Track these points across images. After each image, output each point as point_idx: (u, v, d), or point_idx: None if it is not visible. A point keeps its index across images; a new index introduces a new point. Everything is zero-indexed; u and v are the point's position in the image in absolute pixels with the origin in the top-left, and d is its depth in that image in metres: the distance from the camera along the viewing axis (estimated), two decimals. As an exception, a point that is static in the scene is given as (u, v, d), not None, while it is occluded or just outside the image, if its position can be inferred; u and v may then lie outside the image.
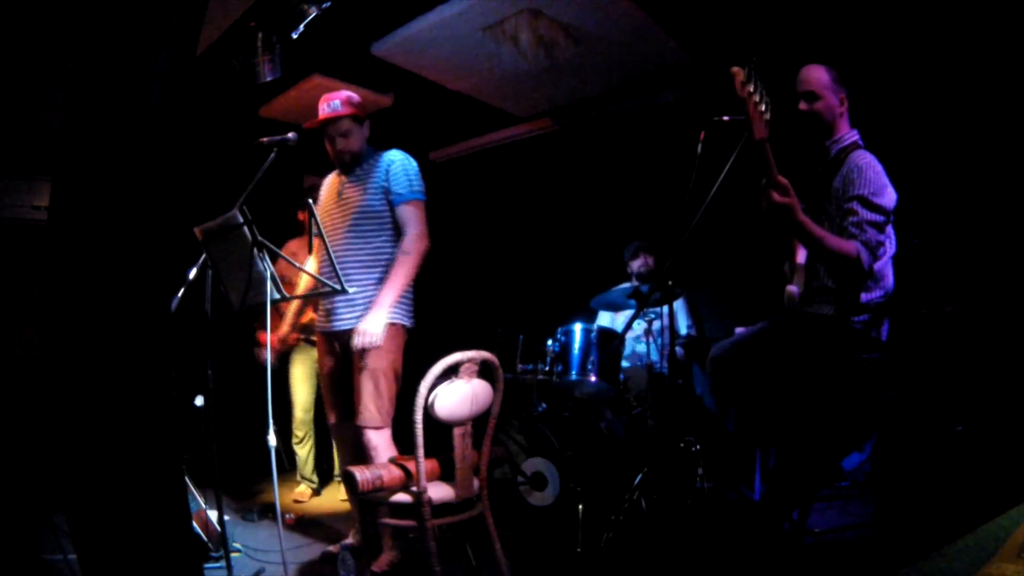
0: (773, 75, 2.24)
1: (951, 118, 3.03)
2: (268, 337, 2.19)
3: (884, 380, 2.13)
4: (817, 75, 2.22)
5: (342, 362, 2.55)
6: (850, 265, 1.96)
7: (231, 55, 3.43)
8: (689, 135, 2.16)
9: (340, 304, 2.52)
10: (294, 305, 3.22)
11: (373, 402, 2.40)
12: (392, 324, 2.46)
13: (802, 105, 2.20)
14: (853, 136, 2.19)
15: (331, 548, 2.67)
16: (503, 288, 5.06)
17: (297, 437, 3.69)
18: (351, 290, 2.23)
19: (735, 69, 1.78)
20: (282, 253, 2.16)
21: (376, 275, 2.49)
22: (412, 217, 2.52)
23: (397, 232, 2.55)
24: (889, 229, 2.12)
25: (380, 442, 2.41)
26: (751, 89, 1.79)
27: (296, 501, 3.65)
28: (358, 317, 2.45)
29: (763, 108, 1.83)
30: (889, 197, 2.04)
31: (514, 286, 5.01)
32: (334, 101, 2.57)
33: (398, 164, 2.56)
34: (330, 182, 2.74)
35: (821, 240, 1.94)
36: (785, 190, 1.87)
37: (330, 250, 2.13)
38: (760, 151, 1.85)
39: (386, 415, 2.43)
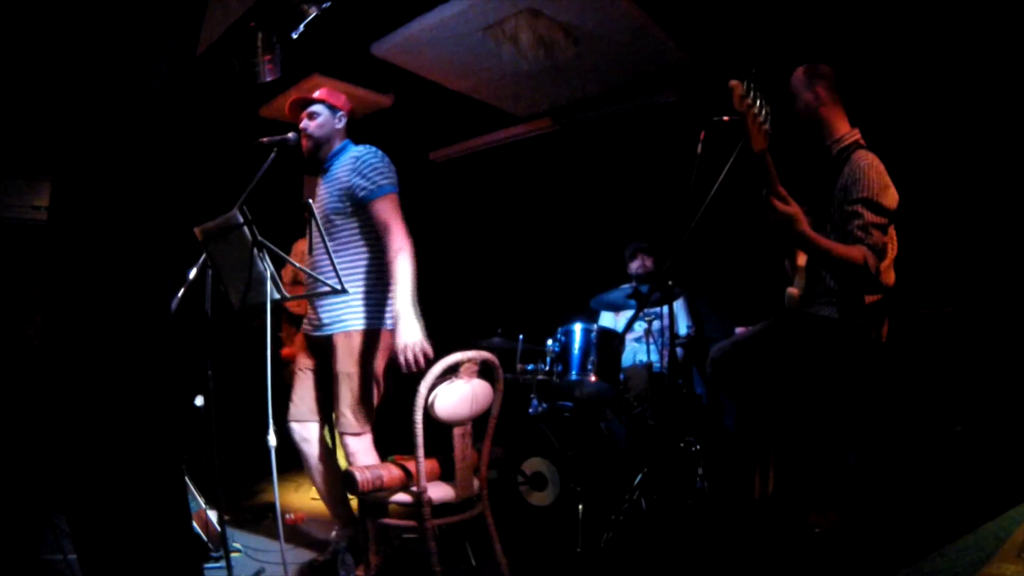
0: (774, 76, 2.25)
1: (951, 118, 3.03)
2: (269, 339, 2.18)
3: (884, 380, 2.13)
4: (794, 75, 2.25)
5: (320, 362, 2.49)
6: (858, 271, 1.94)
7: (231, 55, 3.43)
8: (689, 135, 2.16)
9: (320, 310, 2.43)
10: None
11: (349, 408, 2.35)
12: (366, 331, 2.38)
13: (792, 109, 2.25)
14: (854, 135, 2.18)
15: (319, 557, 2.66)
16: (503, 288, 5.06)
17: None
18: (350, 290, 2.22)
19: (733, 83, 1.78)
20: (282, 253, 2.16)
21: (353, 281, 2.36)
22: (389, 213, 2.32)
23: (368, 232, 2.39)
24: (891, 230, 2.12)
25: (359, 448, 2.37)
26: (749, 102, 1.79)
27: (314, 499, 3.65)
28: (334, 324, 2.39)
29: (762, 119, 1.82)
30: (891, 198, 2.02)
31: (514, 286, 5.01)
32: (316, 91, 2.54)
33: (363, 159, 2.37)
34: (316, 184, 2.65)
35: (828, 251, 1.92)
36: (785, 200, 1.87)
37: (330, 251, 2.11)
38: (760, 162, 1.85)
39: (364, 421, 2.37)
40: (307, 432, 2.52)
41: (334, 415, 2.43)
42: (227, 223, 2.10)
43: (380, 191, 2.33)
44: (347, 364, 2.35)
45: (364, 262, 2.41)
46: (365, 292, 2.40)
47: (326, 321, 2.41)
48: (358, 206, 2.37)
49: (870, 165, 2.03)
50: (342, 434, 2.38)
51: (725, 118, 2.05)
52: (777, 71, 2.31)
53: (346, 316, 2.38)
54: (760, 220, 1.94)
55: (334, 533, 2.61)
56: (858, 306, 2.07)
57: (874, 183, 1.99)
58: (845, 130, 2.18)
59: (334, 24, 3.37)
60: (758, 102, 1.81)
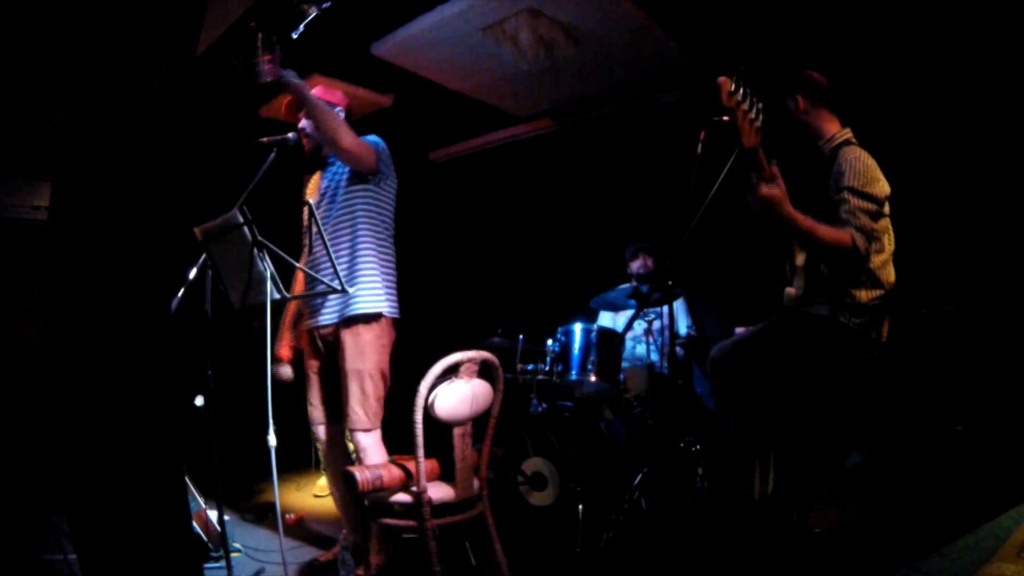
0: (775, 74, 2.25)
1: (951, 118, 3.03)
2: (269, 339, 2.17)
3: (884, 380, 2.13)
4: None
5: (326, 361, 2.50)
6: (846, 253, 1.96)
7: (231, 55, 3.43)
8: (689, 135, 2.16)
9: (325, 298, 2.45)
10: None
11: (360, 404, 2.35)
12: (377, 317, 2.39)
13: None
14: (844, 134, 2.21)
15: (320, 557, 2.66)
16: (503, 288, 5.06)
17: None
18: (351, 289, 2.22)
19: (722, 79, 1.78)
20: (282, 253, 2.16)
21: (355, 267, 2.40)
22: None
23: (369, 217, 2.47)
24: (886, 223, 2.12)
25: (370, 444, 2.37)
26: (739, 98, 1.78)
27: (316, 496, 3.66)
28: (335, 312, 2.41)
29: (753, 116, 1.82)
30: (880, 188, 2.04)
31: (514, 286, 5.01)
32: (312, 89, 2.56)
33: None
34: (311, 182, 2.68)
35: (812, 231, 1.94)
36: (772, 178, 1.87)
37: (330, 250, 2.11)
38: (752, 159, 1.86)
39: (374, 417, 2.38)
40: (328, 434, 2.56)
41: (344, 412, 2.42)
42: (227, 223, 2.10)
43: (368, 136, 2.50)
44: (356, 361, 2.37)
45: (365, 249, 2.43)
46: (368, 277, 2.42)
47: (331, 308, 2.42)
48: (359, 182, 2.46)
49: (856, 158, 2.07)
50: (353, 431, 2.38)
51: (725, 118, 2.05)
52: (778, 69, 2.31)
53: (352, 301, 2.39)
54: (751, 217, 1.95)
55: (342, 534, 2.62)
56: (858, 306, 2.07)
57: (860, 174, 2.03)
58: (835, 130, 2.22)
59: (334, 24, 3.36)
60: (748, 99, 1.80)
